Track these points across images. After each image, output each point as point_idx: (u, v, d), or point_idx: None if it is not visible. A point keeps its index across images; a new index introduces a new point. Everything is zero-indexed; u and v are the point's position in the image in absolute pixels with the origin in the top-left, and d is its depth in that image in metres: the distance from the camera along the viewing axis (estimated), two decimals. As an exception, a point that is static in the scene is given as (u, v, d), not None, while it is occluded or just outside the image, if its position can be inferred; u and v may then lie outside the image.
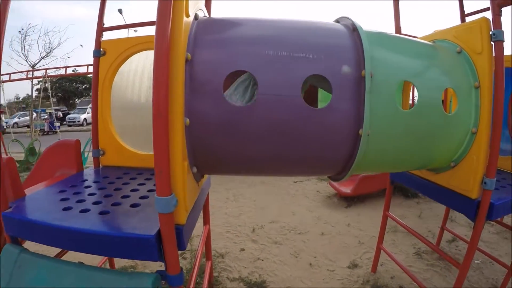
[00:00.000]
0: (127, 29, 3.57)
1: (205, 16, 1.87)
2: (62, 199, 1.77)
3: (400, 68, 1.82)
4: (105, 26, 2.58)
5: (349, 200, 5.62)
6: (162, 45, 1.24)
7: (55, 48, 22.30)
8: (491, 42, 1.97)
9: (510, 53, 2.78)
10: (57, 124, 15.83)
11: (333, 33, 1.77)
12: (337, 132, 1.67)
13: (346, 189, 5.54)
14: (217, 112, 1.53)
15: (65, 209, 1.62)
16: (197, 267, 2.24)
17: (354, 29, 1.75)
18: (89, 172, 2.41)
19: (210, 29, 1.66)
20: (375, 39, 1.78)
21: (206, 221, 2.86)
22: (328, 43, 1.69)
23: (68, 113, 29.66)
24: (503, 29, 1.95)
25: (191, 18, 1.56)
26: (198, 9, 1.72)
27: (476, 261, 3.75)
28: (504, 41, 1.94)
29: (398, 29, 2.91)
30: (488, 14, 2.05)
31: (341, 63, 1.60)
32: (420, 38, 2.63)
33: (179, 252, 1.43)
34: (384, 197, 5.55)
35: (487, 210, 2.04)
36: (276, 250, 3.89)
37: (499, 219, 5.01)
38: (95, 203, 1.72)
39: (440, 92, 1.95)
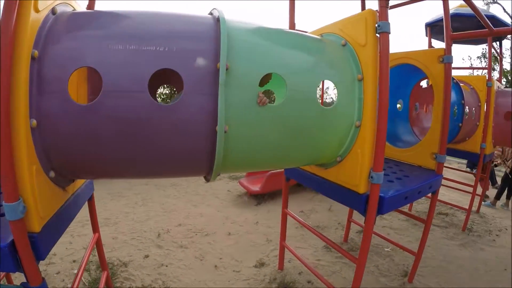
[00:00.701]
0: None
1: (74, 10, 1.68)
2: None
3: (265, 61, 1.69)
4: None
5: (259, 198, 5.58)
6: (4, 43, 1.16)
7: None
8: (377, 34, 1.92)
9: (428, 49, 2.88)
10: None
11: (193, 25, 1.63)
12: (193, 130, 1.53)
13: (255, 187, 5.49)
14: (64, 112, 1.38)
15: None
16: (78, 280, 1.98)
17: (218, 20, 1.61)
18: None
19: (66, 24, 1.48)
20: (240, 31, 1.66)
21: (95, 229, 2.57)
22: (184, 35, 1.56)
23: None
24: (389, 21, 1.91)
25: (45, 13, 1.42)
26: (59, 3, 1.55)
27: (386, 249, 3.92)
28: (389, 32, 1.90)
29: (292, 25, 2.81)
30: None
31: (195, 55, 1.49)
32: (311, 32, 2.56)
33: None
34: (295, 193, 5.65)
35: (376, 204, 2.01)
36: (181, 254, 3.68)
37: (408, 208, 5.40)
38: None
39: (314, 85, 1.85)
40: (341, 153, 2.11)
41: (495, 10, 20.16)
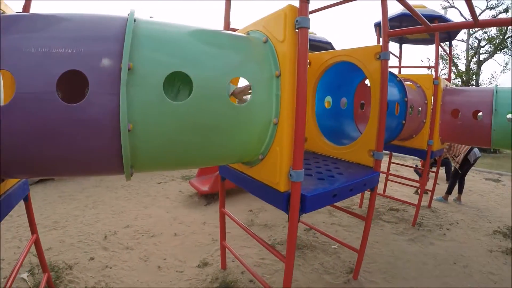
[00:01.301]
0: None
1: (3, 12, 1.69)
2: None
3: (171, 60, 1.68)
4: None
5: (210, 198, 5.54)
6: None
7: None
8: (296, 30, 1.88)
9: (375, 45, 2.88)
10: None
11: (103, 26, 1.62)
12: (101, 129, 1.52)
13: (205, 187, 5.43)
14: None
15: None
16: (10, 281, 1.98)
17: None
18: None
19: None
20: (148, 31, 1.67)
21: (33, 230, 2.48)
22: (92, 36, 1.57)
23: None
24: (309, 17, 1.87)
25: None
26: None
27: (333, 246, 3.94)
28: (309, 28, 1.87)
29: (227, 25, 2.76)
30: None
31: (101, 56, 1.51)
32: (239, 30, 2.52)
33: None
34: (244, 192, 5.63)
35: (298, 202, 1.99)
36: (126, 256, 3.60)
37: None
38: None
39: (224, 82, 1.80)
40: (262, 151, 2.08)
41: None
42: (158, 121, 1.62)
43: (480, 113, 4.42)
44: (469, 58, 19.76)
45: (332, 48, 6.87)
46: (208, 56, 1.80)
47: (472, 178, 8.86)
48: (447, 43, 5.79)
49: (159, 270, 3.32)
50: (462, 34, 20.79)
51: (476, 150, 6.06)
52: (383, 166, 8.06)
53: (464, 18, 19.44)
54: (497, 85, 4.50)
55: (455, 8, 19.63)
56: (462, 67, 19.85)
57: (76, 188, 6.02)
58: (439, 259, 3.81)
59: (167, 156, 1.80)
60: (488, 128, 4.28)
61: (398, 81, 3.81)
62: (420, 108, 4.32)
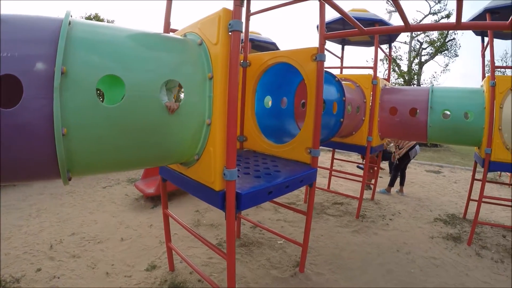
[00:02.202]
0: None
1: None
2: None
3: (103, 63, 1.69)
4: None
5: (156, 200, 5.49)
6: None
7: None
8: (229, 33, 1.94)
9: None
10: None
11: (39, 29, 1.60)
12: (36, 133, 1.53)
13: (150, 189, 5.38)
14: None
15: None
16: None
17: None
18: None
19: None
20: (83, 34, 1.68)
21: None
22: (28, 39, 1.54)
23: None
24: (242, 20, 1.95)
25: None
26: None
27: (279, 242, 4.05)
28: (241, 31, 1.94)
29: (167, 25, 2.75)
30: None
31: (35, 60, 1.51)
32: (177, 32, 2.56)
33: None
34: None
35: (234, 200, 2.05)
36: (73, 264, 3.48)
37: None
38: None
39: (157, 85, 1.85)
40: (198, 151, 2.13)
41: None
42: (91, 125, 1.64)
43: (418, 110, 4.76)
44: (411, 59, 20.96)
45: (277, 48, 7.05)
46: (142, 59, 1.83)
47: (414, 170, 9.49)
48: (388, 45, 6.15)
49: (108, 277, 3.25)
50: (405, 36, 21.87)
51: (417, 147, 6.49)
52: (328, 163, 8.42)
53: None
54: (433, 85, 4.89)
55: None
56: (404, 67, 20.99)
57: (19, 196, 5.70)
58: (383, 248, 4.05)
59: (104, 158, 1.80)
60: (424, 124, 4.65)
61: (336, 81, 4.01)
62: (359, 106, 4.57)
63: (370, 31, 3.01)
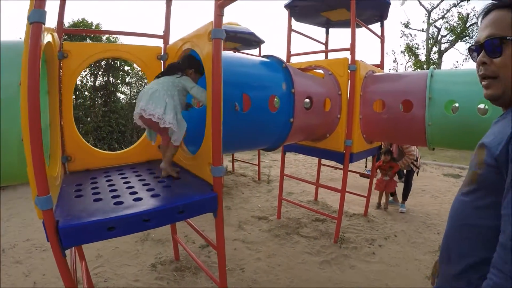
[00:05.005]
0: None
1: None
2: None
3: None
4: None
5: None
6: None
7: None
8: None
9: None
10: None
11: None
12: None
13: None
14: None
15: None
16: None
17: None
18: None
19: None
20: None
21: None
22: None
23: None
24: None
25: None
26: None
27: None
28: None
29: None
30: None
31: None
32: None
33: None
34: None
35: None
36: (13, 270, 3.45)
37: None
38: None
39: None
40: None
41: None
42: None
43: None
44: (430, 48, 19.26)
45: (257, 38, 6.71)
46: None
47: (429, 174, 8.01)
48: (380, 23, 4.87)
49: (34, 286, 3.16)
50: (422, 23, 20.11)
51: None
52: (314, 170, 7.18)
53: (423, 7, 19.16)
54: (433, 68, 3.68)
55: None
56: (422, 57, 19.52)
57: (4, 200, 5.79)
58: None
59: None
60: (421, 122, 3.38)
61: (284, 68, 3.01)
62: (330, 101, 3.54)
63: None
